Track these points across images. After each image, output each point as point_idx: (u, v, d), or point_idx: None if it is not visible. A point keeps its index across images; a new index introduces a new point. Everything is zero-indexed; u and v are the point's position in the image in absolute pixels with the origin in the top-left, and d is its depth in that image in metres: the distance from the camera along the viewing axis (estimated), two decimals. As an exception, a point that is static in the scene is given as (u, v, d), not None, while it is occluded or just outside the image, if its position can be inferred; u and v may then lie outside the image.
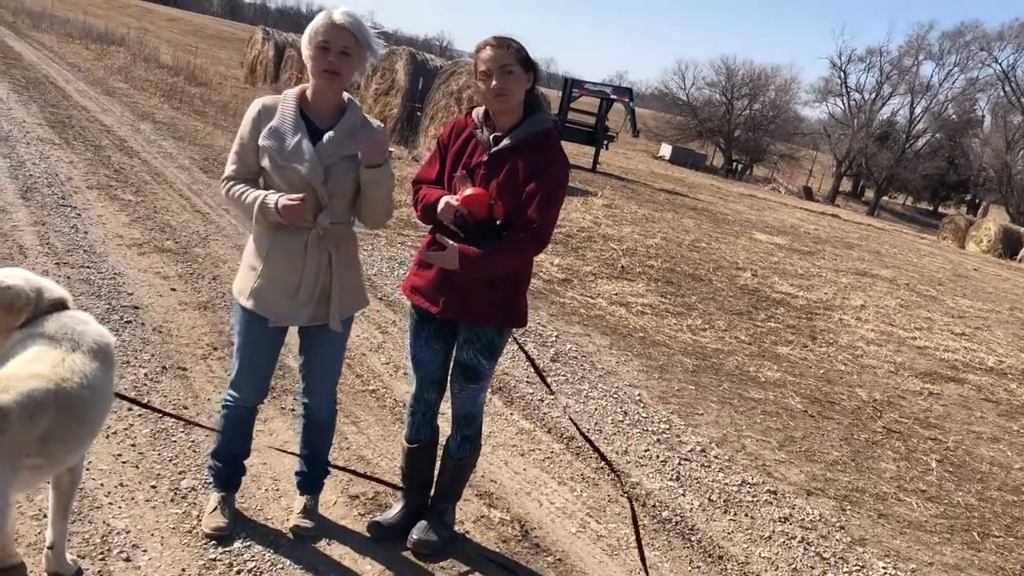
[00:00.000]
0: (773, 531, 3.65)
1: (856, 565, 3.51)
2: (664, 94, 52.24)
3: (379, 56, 2.71)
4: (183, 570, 2.59)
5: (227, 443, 2.86)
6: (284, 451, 3.33)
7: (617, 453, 4.14)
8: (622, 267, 8.55)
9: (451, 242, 2.60)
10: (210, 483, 2.93)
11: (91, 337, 2.28)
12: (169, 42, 35.24)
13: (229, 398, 2.82)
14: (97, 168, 8.16)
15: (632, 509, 2.97)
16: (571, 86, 20.39)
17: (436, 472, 3.06)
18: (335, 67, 2.53)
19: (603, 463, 3.81)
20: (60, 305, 2.32)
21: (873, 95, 49.28)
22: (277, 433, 3.57)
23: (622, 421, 4.55)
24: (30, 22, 29.89)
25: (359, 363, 4.61)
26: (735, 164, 45.84)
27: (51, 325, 2.25)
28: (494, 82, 2.59)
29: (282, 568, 2.69)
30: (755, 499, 3.92)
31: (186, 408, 3.63)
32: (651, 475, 3.97)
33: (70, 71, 17.17)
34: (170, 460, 3.19)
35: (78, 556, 2.53)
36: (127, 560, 2.58)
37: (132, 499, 2.89)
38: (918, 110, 48.11)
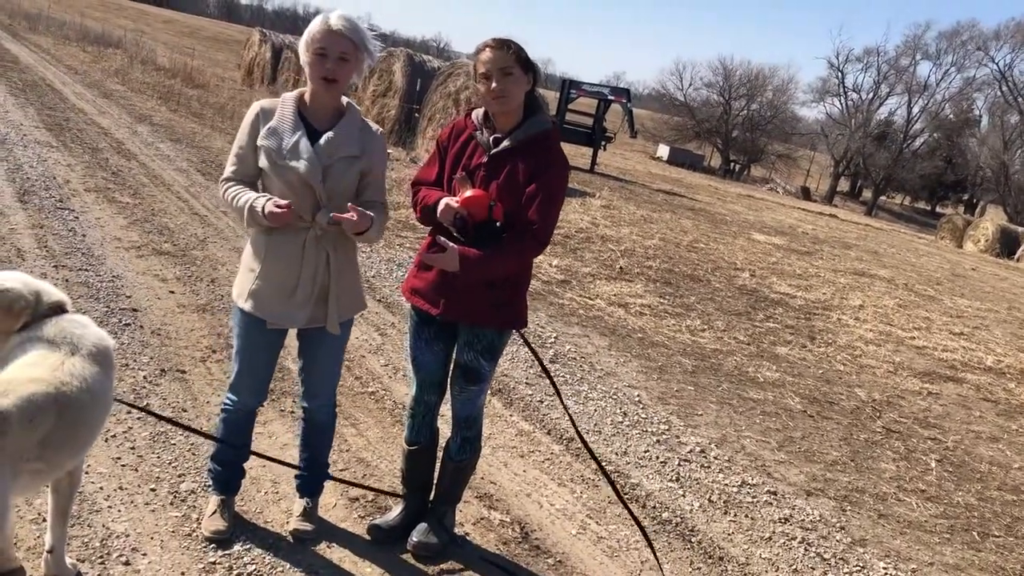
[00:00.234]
0: (773, 532, 3.65)
1: (857, 565, 3.51)
2: (662, 95, 52.32)
3: (376, 58, 2.70)
4: (183, 573, 2.59)
5: (226, 446, 2.85)
6: (277, 461, 3.32)
7: (617, 454, 4.13)
8: (620, 268, 8.55)
9: (451, 244, 2.59)
10: (209, 486, 2.93)
11: (90, 340, 2.27)
12: (166, 44, 35.25)
13: (228, 401, 2.82)
14: (95, 171, 8.15)
15: (633, 516, 2.97)
16: (569, 87, 20.44)
17: (436, 474, 3.05)
18: (333, 74, 2.53)
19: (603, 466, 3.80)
20: (59, 308, 2.31)
21: (870, 95, 49.50)
22: (276, 436, 3.57)
23: (621, 422, 4.55)
24: (26, 24, 29.88)
25: (358, 365, 4.60)
26: (733, 164, 45.92)
27: (50, 328, 2.24)
28: (494, 84, 2.58)
29: (282, 571, 2.69)
30: (755, 500, 3.92)
31: (185, 411, 3.62)
32: (651, 476, 3.96)
33: (67, 73, 17.15)
34: (169, 463, 3.18)
35: (77, 560, 2.52)
36: (126, 564, 2.58)
37: (131, 502, 2.89)
38: (915, 110, 48.34)
